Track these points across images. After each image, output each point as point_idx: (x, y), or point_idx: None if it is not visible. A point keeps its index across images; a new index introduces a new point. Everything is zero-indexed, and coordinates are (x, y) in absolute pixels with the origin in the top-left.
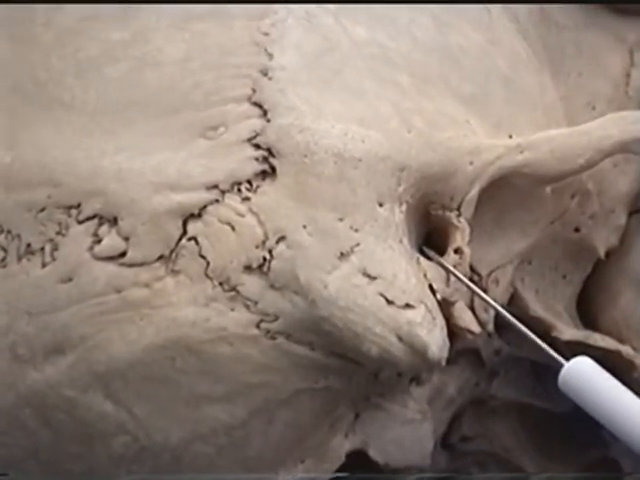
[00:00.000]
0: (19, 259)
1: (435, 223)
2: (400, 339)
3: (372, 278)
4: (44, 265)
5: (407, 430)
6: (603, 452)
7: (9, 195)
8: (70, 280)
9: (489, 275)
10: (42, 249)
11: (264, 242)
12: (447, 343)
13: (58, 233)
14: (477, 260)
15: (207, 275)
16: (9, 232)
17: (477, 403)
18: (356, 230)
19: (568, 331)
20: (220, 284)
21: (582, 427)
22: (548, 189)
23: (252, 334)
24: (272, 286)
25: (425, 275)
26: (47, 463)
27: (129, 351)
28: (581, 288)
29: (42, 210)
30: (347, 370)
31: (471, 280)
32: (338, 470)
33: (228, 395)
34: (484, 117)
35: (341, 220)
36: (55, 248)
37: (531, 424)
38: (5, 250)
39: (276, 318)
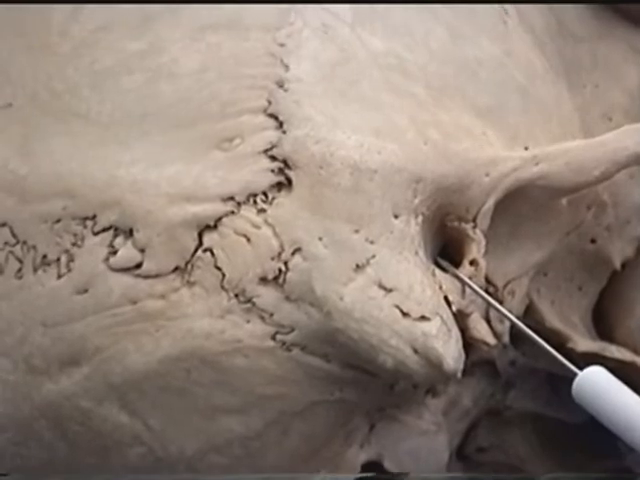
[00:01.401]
0: (35, 270)
1: (451, 235)
2: (415, 351)
3: (388, 290)
4: (60, 276)
5: (422, 441)
6: (618, 462)
7: (25, 206)
8: (86, 291)
9: (505, 286)
10: (58, 260)
11: (280, 254)
12: (462, 355)
13: (74, 244)
14: (493, 271)
15: (223, 287)
16: (25, 243)
17: (492, 414)
18: (372, 242)
19: (584, 342)
20: (236, 296)
21: (597, 437)
22: (564, 201)
23: (267, 346)
24: (288, 298)
25: (440, 287)
26: (63, 473)
27: (144, 362)
28: (597, 299)
29: (58, 221)
30: (362, 382)
31: (487, 292)
32: None
33: (243, 406)
34: (500, 129)
35: (357, 232)
36: (71, 259)
37: (546, 434)
38: (21, 261)
39: (292, 330)
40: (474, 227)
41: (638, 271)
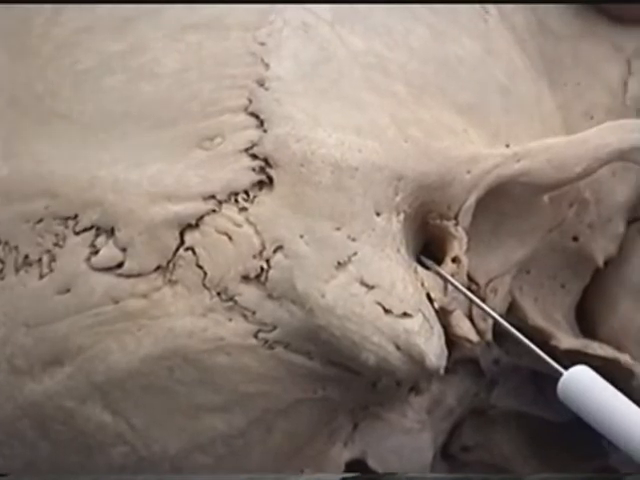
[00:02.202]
0: (17, 270)
1: (433, 232)
2: (398, 348)
3: (369, 287)
4: (42, 276)
5: (406, 440)
6: (604, 462)
7: (7, 207)
8: (68, 291)
9: (487, 284)
10: (40, 260)
11: (261, 252)
12: (445, 352)
13: (55, 244)
14: (475, 269)
15: (205, 285)
16: (7, 244)
17: (477, 413)
18: (353, 239)
19: (567, 340)
20: (218, 294)
21: (582, 436)
22: (546, 198)
23: (250, 344)
24: (270, 296)
25: (423, 284)
26: (45, 475)
27: (127, 361)
28: (580, 297)
29: (40, 221)
30: (345, 380)
31: (469, 289)
32: None
33: (226, 405)
34: (481, 126)
35: (338, 229)
36: (53, 259)
37: (531, 434)
38: (3, 262)
39: (274, 328)
40: (456, 224)
41: (620, 269)
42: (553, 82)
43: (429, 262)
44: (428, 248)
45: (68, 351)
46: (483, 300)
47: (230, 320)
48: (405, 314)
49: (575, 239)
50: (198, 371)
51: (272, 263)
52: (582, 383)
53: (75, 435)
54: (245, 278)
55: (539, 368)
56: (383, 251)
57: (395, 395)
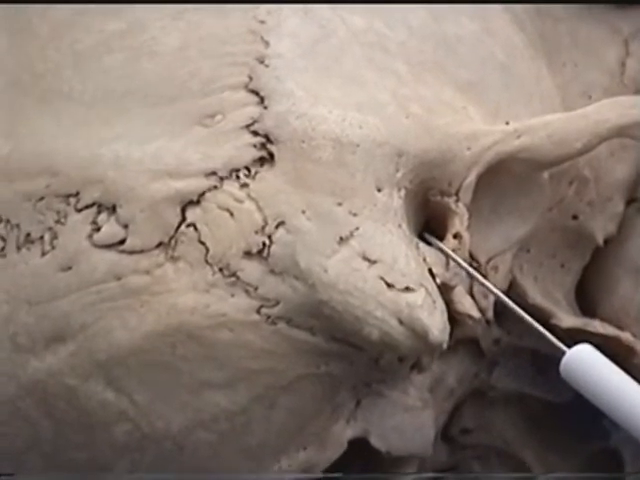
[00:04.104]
0: (18, 248)
1: (433, 210)
2: (401, 322)
3: (372, 262)
4: (43, 254)
5: (408, 418)
6: (604, 443)
7: (8, 185)
8: (70, 268)
9: (488, 262)
10: (41, 238)
11: (263, 228)
12: (448, 327)
13: (57, 222)
14: (476, 247)
15: (207, 261)
16: (8, 222)
17: (477, 395)
18: (355, 214)
19: (567, 318)
20: (220, 270)
21: (583, 418)
22: (546, 175)
23: (253, 320)
24: (272, 271)
25: (424, 260)
26: (49, 454)
27: (130, 338)
28: (580, 277)
29: (41, 199)
30: (348, 355)
31: (470, 267)
32: (340, 459)
33: (229, 381)
34: (481, 104)
35: (340, 205)
36: (54, 237)
37: (531, 416)
38: (4, 240)
39: (277, 303)
40: (457, 201)
41: (620, 248)
42: (551, 63)
43: (432, 238)
44: (429, 226)
45: (70, 328)
46: (484, 278)
47: (232, 296)
48: (408, 288)
49: (575, 217)
50: (201, 347)
51: (274, 239)
52: (585, 361)
53: (78, 413)
54: (247, 254)
55: (540, 348)
56: (385, 226)
57: (397, 372)
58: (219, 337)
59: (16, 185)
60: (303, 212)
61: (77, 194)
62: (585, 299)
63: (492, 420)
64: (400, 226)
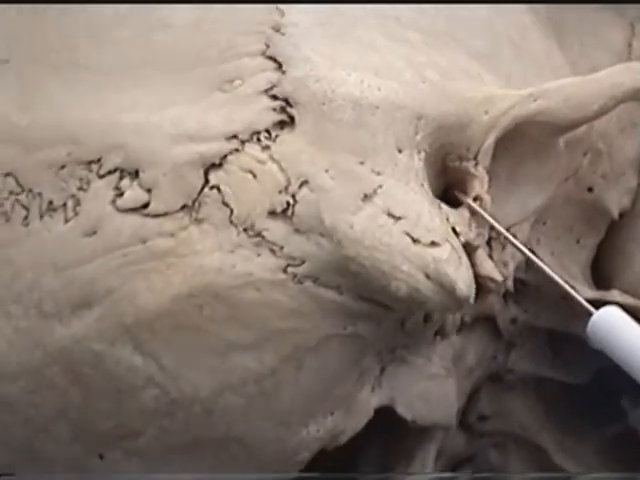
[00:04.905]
0: (41, 217)
1: (453, 176)
2: (428, 277)
3: (396, 218)
4: (67, 220)
5: (432, 385)
6: (622, 425)
7: (29, 155)
8: (94, 233)
9: (508, 230)
10: (64, 205)
11: (287, 187)
12: (474, 283)
13: (80, 189)
14: (494, 216)
15: (231, 222)
16: (30, 191)
17: (494, 380)
18: (378, 173)
19: (586, 290)
20: (245, 230)
21: (599, 401)
22: (561, 143)
23: (279, 279)
24: (297, 230)
25: (447, 219)
26: (77, 422)
27: (156, 301)
28: (595, 253)
29: (62, 167)
30: (375, 315)
31: (488, 238)
32: (365, 432)
33: (257, 342)
34: (494, 72)
35: (362, 164)
36: (77, 203)
37: (548, 400)
38: (27, 209)
39: (302, 262)
40: (476, 165)
41: (635, 223)
42: (560, 43)
43: (462, 195)
44: (448, 193)
45: (96, 293)
46: (502, 248)
47: (258, 255)
48: (433, 243)
49: (590, 190)
50: (228, 308)
51: (298, 198)
52: (612, 322)
53: (105, 379)
54: (272, 213)
55: (557, 327)
56: (407, 185)
57: (422, 336)
58: (246, 297)
59: (36, 155)
60: (326, 171)
61: (99, 160)
62: (600, 275)
63: (509, 406)
64: (422, 185)
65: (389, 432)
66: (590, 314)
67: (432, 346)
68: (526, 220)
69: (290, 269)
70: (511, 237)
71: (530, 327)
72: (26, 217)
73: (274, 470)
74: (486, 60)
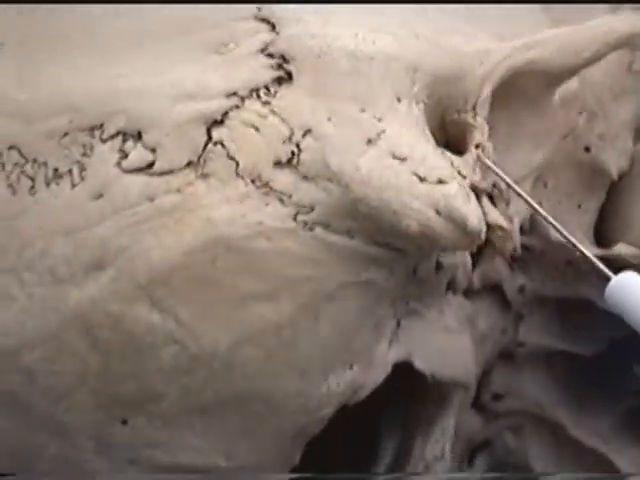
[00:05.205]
0: (48, 184)
1: (452, 131)
2: (438, 213)
3: (402, 159)
4: (73, 186)
5: (448, 339)
6: (636, 398)
7: (30, 127)
8: (101, 196)
9: (508, 188)
10: (69, 171)
11: (290, 137)
12: (483, 220)
13: (83, 154)
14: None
15: (238, 174)
16: (35, 161)
17: (505, 357)
18: (379, 119)
19: (592, 249)
20: (252, 181)
21: (613, 376)
22: (557, 99)
23: (290, 227)
24: (304, 177)
25: (452, 164)
26: (98, 388)
27: (168, 257)
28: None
29: (65, 135)
30: (388, 261)
31: (491, 196)
32: (387, 391)
33: (272, 292)
34: (487, 31)
35: (363, 111)
36: (83, 169)
37: (561, 377)
38: (33, 179)
39: (312, 209)
40: (474, 116)
41: (634, 184)
42: (550, 18)
43: (476, 151)
44: (449, 148)
45: (108, 254)
46: (506, 204)
47: (267, 205)
48: (440, 181)
49: (587, 150)
50: (240, 258)
51: (302, 146)
52: (631, 287)
53: (124, 340)
54: (277, 164)
55: (566, 293)
56: (410, 130)
57: (434, 287)
58: (258, 246)
59: (38, 126)
60: (328, 119)
61: (101, 126)
62: (602, 238)
63: (522, 384)
64: (424, 131)
65: (409, 397)
66: (608, 279)
67: (444, 300)
68: (527, 177)
69: (300, 217)
70: (517, 188)
71: (538, 297)
72: (32, 187)
73: (298, 427)
74: (477, 20)
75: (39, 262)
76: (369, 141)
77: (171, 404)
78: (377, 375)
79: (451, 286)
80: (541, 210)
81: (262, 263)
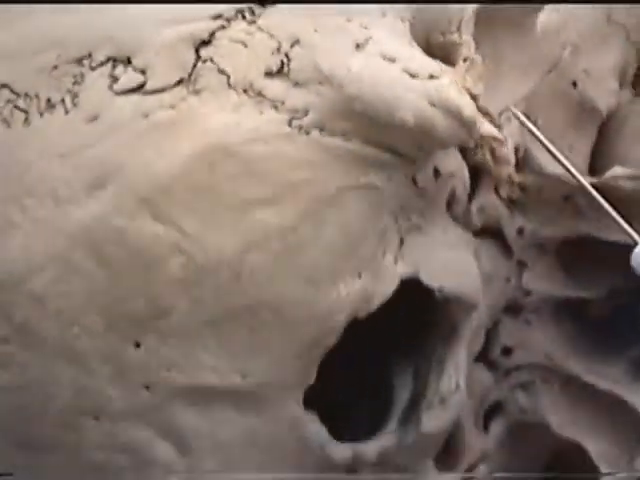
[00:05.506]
0: (41, 114)
1: (438, 54)
2: (433, 104)
3: (391, 59)
4: (67, 112)
5: (453, 255)
6: None
7: (18, 65)
8: (96, 118)
9: (500, 114)
10: (62, 100)
11: (279, 49)
12: (477, 114)
13: (75, 83)
14: (487, 101)
15: (230, 86)
16: (26, 95)
17: (512, 311)
18: (366, 27)
19: (589, 178)
20: (244, 91)
21: (621, 327)
22: (538, 31)
23: (285, 132)
24: (296, 84)
25: (441, 69)
26: (108, 308)
27: (167, 168)
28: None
29: (55, 68)
30: (385, 164)
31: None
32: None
33: (274, 196)
34: None
35: (349, 20)
36: (75, 96)
37: (569, 328)
38: (26, 111)
39: (306, 113)
40: (460, 35)
41: (623, 125)
42: None
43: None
44: None
45: (107, 172)
46: (498, 129)
47: (261, 113)
48: (432, 76)
49: (574, 85)
50: (239, 164)
51: (291, 56)
52: None
53: (130, 255)
54: (268, 74)
55: (564, 232)
56: (397, 39)
57: (435, 200)
58: (255, 151)
59: (27, 64)
60: (315, 30)
61: (89, 55)
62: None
63: (531, 337)
64: (411, 42)
65: (420, 339)
66: (637, 243)
67: (447, 220)
68: (516, 107)
69: (295, 122)
70: (520, 115)
71: (538, 242)
72: (26, 119)
73: (310, 338)
74: None
75: (40, 187)
76: (357, 45)
77: (182, 319)
78: (386, 287)
79: (452, 203)
80: (545, 140)
81: (260, 168)
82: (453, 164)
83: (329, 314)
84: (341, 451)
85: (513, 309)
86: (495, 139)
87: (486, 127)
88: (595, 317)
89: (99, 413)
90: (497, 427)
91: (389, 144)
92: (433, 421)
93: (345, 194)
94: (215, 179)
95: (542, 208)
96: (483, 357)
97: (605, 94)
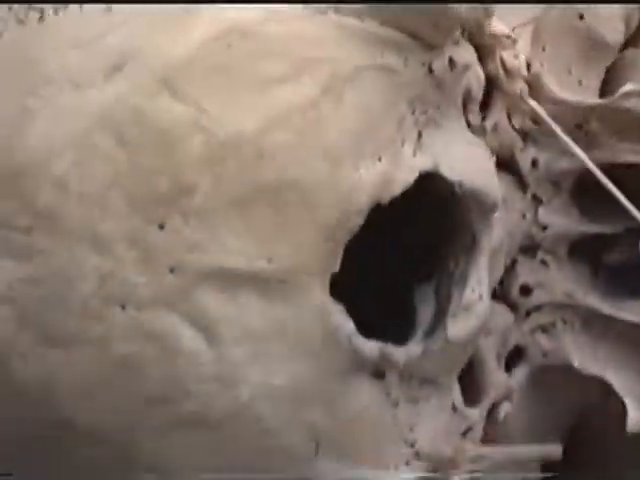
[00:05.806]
0: (56, 12)
1: None
2: None
3: None
4: (81, 7)
5: (471, 150)
6: None
7: None
8: (110, 9)
9: (508, 37)
10: None
11: None
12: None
13: None
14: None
15: None
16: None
17: (528, 251)
18: None
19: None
20: None
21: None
22: None
23: (301, 12)
24: None
25: None
26: (130, 188)
27: (185, 49)
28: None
29: None
30: (401, 46)
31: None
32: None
33: (291, 74)
34: None
35: None
36: None
37: (587, 266)
38: (41, 10)
39: None
40: None
41: (633, 65)
42: None
43: None
44: None
45: (125, 56)
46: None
47: None
48: None
49: (581, 17)
50: (256, 42)
51: None
52: None
53: (150, 134)
54: None
55: (579, 163)
56: None
57: (451, 91)
58: (271, 30)
59: None
60: None
61: None
62: None
63: (549, 277)
64: None
65: (439, 251)
66: None
67: (462, 118)
68: (527, 24)
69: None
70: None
71: (552, 177)
72: (41, 17)
73: (335, 219)
74: None
75: (57, 74)
76: None
77: (206, 198)
78: (406, 175)
79: (467, 103)
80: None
81: (277, 46)
82: (467, 56)
83: (352, 194)
84: (369, 347)
85: (529, 249)
86: (508, 37)
87: (498, 26)
88: (613, 263)
89: (125, 301)
90: (520, 373)
91: (404, 25)
92: (459, 326)
93: (362, 73)
94: (232, 59)
95: (555, 138)
96: (503, 298)
97: (613, 30)
